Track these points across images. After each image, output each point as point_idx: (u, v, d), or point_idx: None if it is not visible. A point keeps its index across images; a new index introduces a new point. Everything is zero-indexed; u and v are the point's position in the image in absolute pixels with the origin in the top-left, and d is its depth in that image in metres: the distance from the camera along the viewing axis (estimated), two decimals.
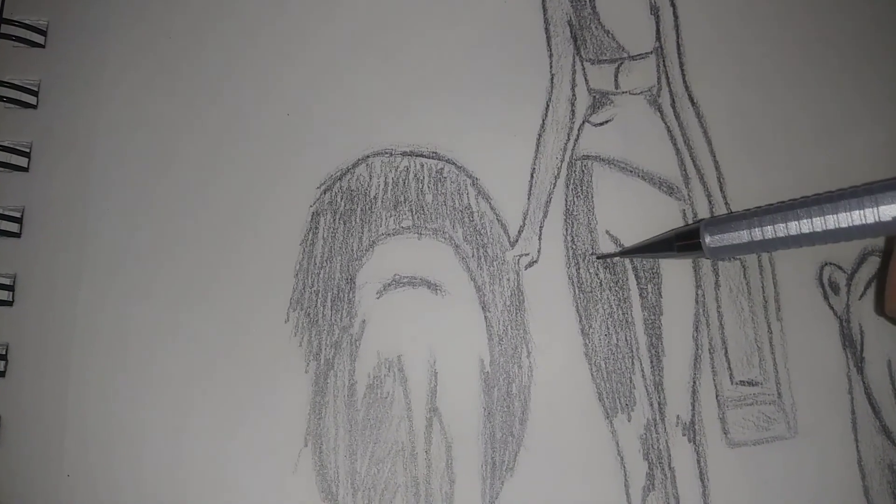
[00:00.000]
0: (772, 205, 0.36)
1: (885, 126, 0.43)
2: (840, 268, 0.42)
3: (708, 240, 0.36)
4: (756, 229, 0.36)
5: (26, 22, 0.42)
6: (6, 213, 0.39)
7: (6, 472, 0.37)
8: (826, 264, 0.42)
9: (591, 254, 0.40)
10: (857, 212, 0.34)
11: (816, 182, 0.42)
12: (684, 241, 0.38)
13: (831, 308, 0.41)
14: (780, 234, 0.35)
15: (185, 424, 0.38)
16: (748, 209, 0.37)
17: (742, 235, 0.36)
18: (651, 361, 0.40)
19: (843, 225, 0.34)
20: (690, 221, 0.42)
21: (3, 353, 0.38)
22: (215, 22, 0.43)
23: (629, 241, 0.41)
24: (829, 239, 0.35)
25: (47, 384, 0.38)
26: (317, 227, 0.41)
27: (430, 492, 0.38)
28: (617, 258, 0.41)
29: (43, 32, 0.42)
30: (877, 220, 0.34)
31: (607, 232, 0.41)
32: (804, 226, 0.35)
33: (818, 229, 0.35)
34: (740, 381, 0.40)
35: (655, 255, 0.40)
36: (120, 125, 0.41)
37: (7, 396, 0.38)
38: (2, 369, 0.38)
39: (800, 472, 0.39)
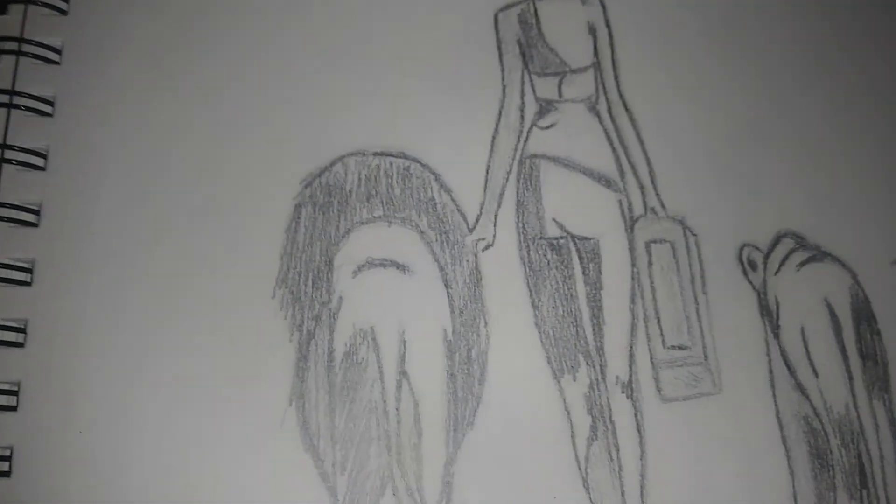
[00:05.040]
0: None
1: (796, 128, 0.50)
2: (757, 248, 0.47)
3: None
4: None
5: (44, 42, 0.48)
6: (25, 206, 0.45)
7: (26, 431, 0.42)
8: (745, 245, 0.47)
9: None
10: None
11: (736, 178, 0.48)
12: None
13: (750, 283, 0.47)
14: None
15: (185, 388, 0.43)
16: None
17: None
18: (593, 329, 0.46)
19: None
20: (626, 211, 0.48)
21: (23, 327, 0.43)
22: (209, 34, 0.49)
23: (574, 228, 0.47)
24: None
25: (61, 354, 0.43)
26: (299, 217, 0.46)
27: (400, 444, 0.43)
28: None
29: (58, 51, 0.48)
30: None
31: (554, 219, 0.47)
32: None
33: None
34: (671, 346, 0.45)
35: None
36: (125, 130, 0.47)
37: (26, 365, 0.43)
38: (21, 341, 0.43)
39: (725, 423, 0.44)
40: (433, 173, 0.47)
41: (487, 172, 0.48)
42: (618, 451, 0.44)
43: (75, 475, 0.41)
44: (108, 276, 0.44)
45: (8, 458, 0.41)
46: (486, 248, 0.46)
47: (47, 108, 0.47)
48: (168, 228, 0.45)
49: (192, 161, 0.47)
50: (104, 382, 0.43)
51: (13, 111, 0.46)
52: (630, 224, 0.47)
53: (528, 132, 0.49)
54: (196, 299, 0.44)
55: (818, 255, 0.47)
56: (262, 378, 0.43)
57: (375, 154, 0.48)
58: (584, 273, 0.46)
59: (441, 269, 0.46)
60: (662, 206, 0.48)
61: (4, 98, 0.46)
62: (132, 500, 0.41)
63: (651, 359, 0.45)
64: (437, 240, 0.46)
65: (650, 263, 0.47)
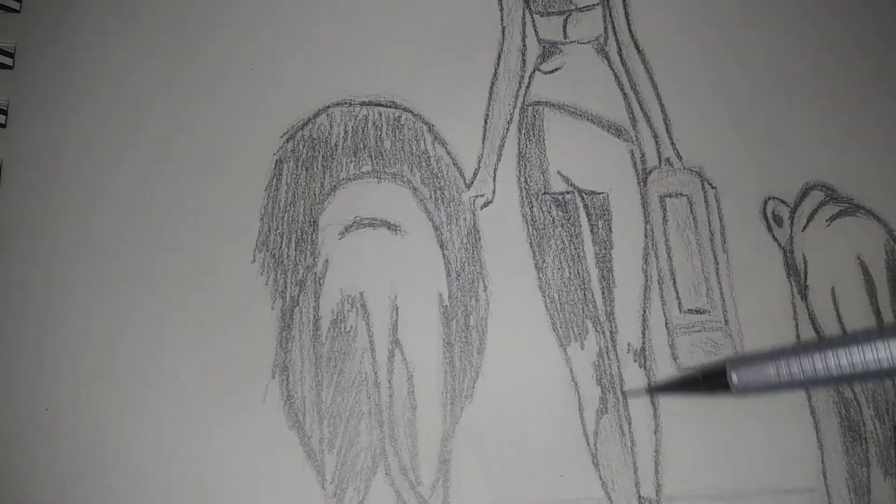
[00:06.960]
0: (798, 344, 0.35)
1: (826, 66, 0.45)
2: (783, 202, 0.43)
3: (735, 379, 0.35)
4: (784, 369, 0.34)
5: None
6: None
7: None
8: (770, 198, 0.43)
9: (622, 391, 0.40)
10: (884, 353, 0.32)
11: (758, 125, 0.44)
12: (711, 381, 0.36)
13: (775, 239, 0.43)
14: (809, 375, 0.34)
15: (159, 358, 0.40)
16: (774, 348, 0.35)
17: (769, 375, 0.34)
18: (602, 293, 0.42)
19: (872, 367, 0.33)
20: (639, 162, 0.44)
21: None
22: None
23: (581, 181, 0.43)
24: (858, 379, 0.34)
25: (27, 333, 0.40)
26: (280, 174, 0.43)
27: (392, 418, 0.40)
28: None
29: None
30: None
31: (559, 172, 0.43)
32: (831, 366, 0.33)
33: (846, 372, 0.33)
34: (688, 310, 0.42)
35: (681, 393, 0.40)
36: (93, 85, 0.43)
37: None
38: None
39: None
40: (426, 124, 0.44)
41: (486, 122, 0.44)
42: (630, 424, 0.40)
43: (43, 454, 0.38)
44: (74, 245, 0.41)
45: None
46: (485, 205, 0.43)
47: (7, 61, 0.43)
48: (138, 189, 0.42)
49: (165, 116, 0.43)
50: (70, 358, 0.40)
51: None
52: (643, 176, 0.44)
53: (531, 77, 0.45)
54: (168, 264, 0.41)
55: (850, 208, 0.44)
56: (241, 349, 0.40)
57: (363, 103, 0.44)
58: (592, 231, 0.43)
59: (436, 228, 0.42)
60: (678, 156, 0.44)
61: None
62: (105, 476, 0.38)
63: (666, 324, 0.42)
64: (431, 197, 0.43)
65: (665, 219, 0.43)
